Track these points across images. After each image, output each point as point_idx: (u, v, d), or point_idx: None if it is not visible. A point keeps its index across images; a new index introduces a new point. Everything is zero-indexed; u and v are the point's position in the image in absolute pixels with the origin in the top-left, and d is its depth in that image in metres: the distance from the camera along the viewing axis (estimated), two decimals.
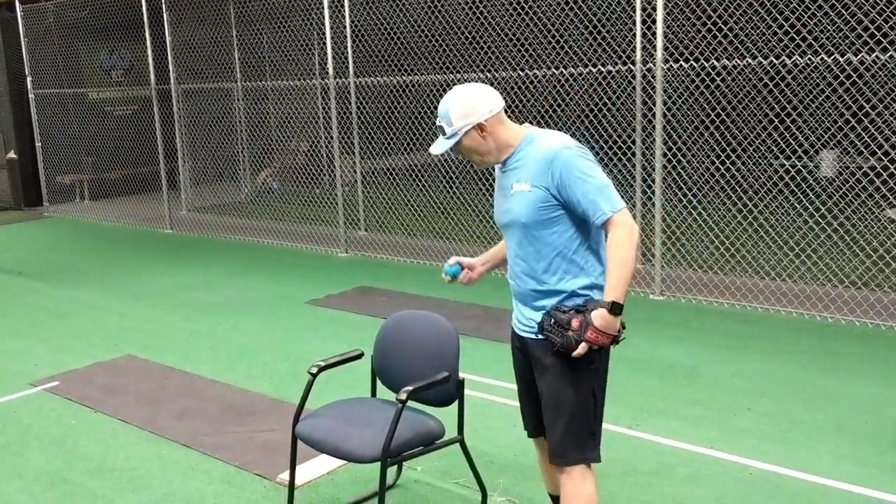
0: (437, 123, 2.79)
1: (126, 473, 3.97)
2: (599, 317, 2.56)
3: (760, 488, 3.63)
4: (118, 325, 6.49)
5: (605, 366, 2.81)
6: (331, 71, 8.62)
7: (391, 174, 9.59)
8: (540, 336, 2.74)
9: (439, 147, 2.80)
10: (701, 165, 6.79)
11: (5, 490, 3.83)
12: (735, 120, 7.20)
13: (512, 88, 8.18)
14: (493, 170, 2.93)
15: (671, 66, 6.37)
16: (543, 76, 7.83)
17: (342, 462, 3.75)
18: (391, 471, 3.72)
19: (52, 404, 4.87)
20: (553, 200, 2.66)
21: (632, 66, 6.66)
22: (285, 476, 3.74)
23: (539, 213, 2.68)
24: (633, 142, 6.86)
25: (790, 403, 4.52)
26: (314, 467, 3.86)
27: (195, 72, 10.89)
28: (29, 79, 12.44)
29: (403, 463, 3.71)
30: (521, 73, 7.92)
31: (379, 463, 3.00)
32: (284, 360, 5.38)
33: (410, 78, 8.86)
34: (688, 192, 7.14)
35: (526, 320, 2.82)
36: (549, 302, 2.73)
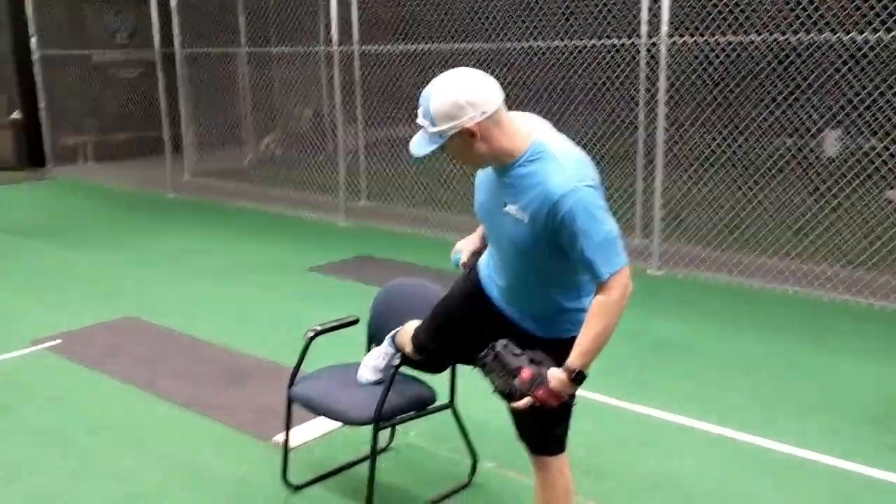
0: (418, 119, 2.33)
1: (124, 432, 4.04)
2: (557, 380, 2.33)
3: (746, 460, 3.69)
4: (119, 287, 6.55)
5: None
6: (335, 38, 8.59)
7: (395, 143, 9.60)
8: (476, 366, 2.52)
9: (421, 147, 2.34)
10: (702, 141, 6.79)
11: (4, 447, 3.90)
12: (738, 97, 7.18)
13: (516, 60, 8.15)
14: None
15: (675, 41, 6.34)
16: (548, 48, 7.81)
17: (337, 425, 3.81)
18: (385, 435, 3.80)
19: (53, 363, 4.94)
20: (549, 241, 2.34)
21: (636, 41, 6.64)
22: (280, 437, 3.79)
23: (534, 247, 2.38)
24: (636, 116, 6.87)
25: (781, 379, 4.57)
26: (309, 430, 3.93)
27: (201, 36, 10.85)
28: (34, 39, 12.39)
29: (397, 428, 3.81)
30: (527, 44, 7.89)
31: (371, 426, 3.07)
32: (282, 325, 5.43)
33: (416, 46, 8.82)
34: (688, 168, 7.15)
35: (499, 296, 2.65)
36: (527, 301, 2.56)
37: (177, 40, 10.61)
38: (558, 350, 2.43)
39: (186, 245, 7.93)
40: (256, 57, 12.01)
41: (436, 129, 2.28)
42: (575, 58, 7.56)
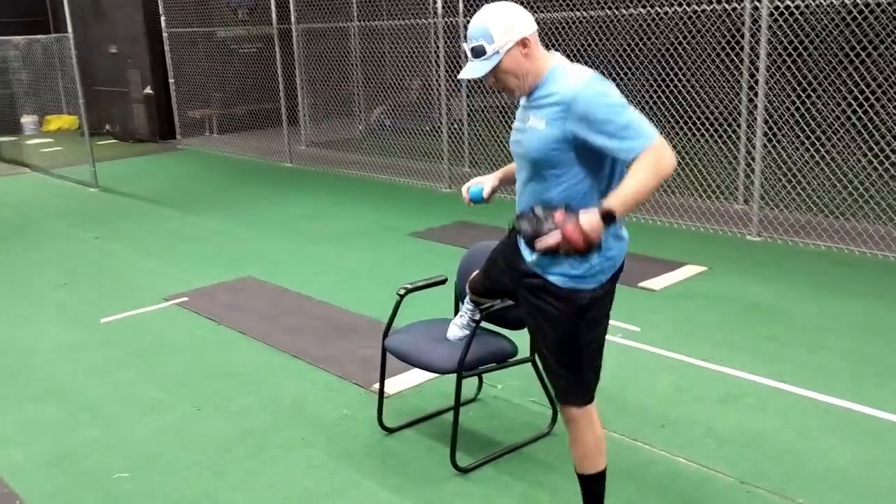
0: (471, 46, 2.55)
1: (242, 377, 4.51)
2: (587, 216, 2.33)
3: (826, 420, 3.78)
4: (240, 250, 7.10)
5: (608, 311, 2.76)
6: (439, 10, 8.85)
7: (497, 112, 9.81)
8: (534, 257, 2.64)
9: (475, 71, 2.56)
10: (825, 107, 6.68)
11: (141, 387, 4.44)
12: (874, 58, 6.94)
13: (631, 26, 8.18)
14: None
15: (777, 4, 6.27)
16: (656, 14, 7.79)
17: (429, 376, 4.15)
18: (473, 387, 4.11)
19: (182, 317, 5.49)
20: (566, 142, 2.51)
21: (737, 5, 6.60)
22: (378, 386, 4.19)
23: (549, 153, 2.54)
24: (737, 81, 6.83)
25: (868, 343, 4.59)
26: (404, 380, 4.28)
27: (315, 11, 11.32)
28: (163, 18, 13.23)
29: (485, 382, 4.11)
30: (635, 10, 7.91)
31: (455, 375, 3.37)
32: (384, 286, 5.81)
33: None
34: (792, 134, 7.05)
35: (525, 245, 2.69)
36: None
37: (293, 16, 11.13)
38: (572, 301, 2.63)
39: (300, 211, 8.45)
40: (367, 30, 12.42)
41: (495, 45, 2.52)
42: (680, 23, 7.54)
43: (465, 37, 2.63)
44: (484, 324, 3.44)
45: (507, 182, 3.04)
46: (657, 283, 5.68)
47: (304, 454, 3.67)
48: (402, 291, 3.71)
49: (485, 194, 3.04)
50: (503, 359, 3.52)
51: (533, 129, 2.59)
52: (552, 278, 2.67)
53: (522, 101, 2.71)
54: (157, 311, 5.64)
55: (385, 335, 3.71)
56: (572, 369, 2.76)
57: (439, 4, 8.85)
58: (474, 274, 3.32)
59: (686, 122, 7.36)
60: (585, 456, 2.84)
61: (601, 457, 2.86)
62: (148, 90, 13.89)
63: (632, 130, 2.41)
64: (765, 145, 6.55)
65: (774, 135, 6.82)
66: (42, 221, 8.55)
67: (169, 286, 6.11)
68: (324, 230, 7.62)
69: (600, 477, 2.88)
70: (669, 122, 7.52)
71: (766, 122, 6.48)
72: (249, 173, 10.96)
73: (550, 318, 2.71)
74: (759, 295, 5.42)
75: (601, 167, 2.59)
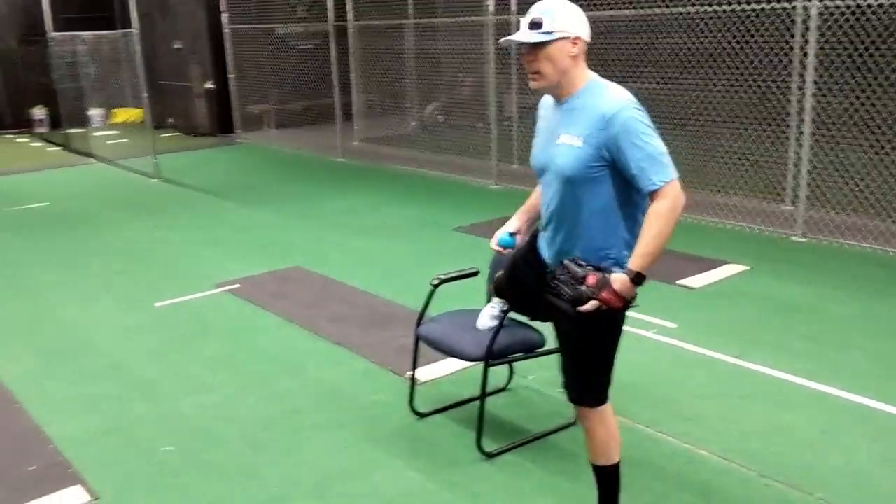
0: (531, 18, 2.67)
1: (285, 362, 4.71)
2: (620, 281, 2.59)
3: (849, 418, 3.81)
4: (290, 241, 7.34)
5: (623, 318, 2.83)
6: (490, 8, 8.96)
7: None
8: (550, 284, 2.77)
9: (525, 36, 2.67)
10: (851, 106, 6.61)
11: (188, 367, 4.68)
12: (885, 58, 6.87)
13: (670, 25, 8.18)
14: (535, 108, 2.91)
15: (826, 4, 6.23)
16: (696, 13, 7.78)
17: (463, 365, 4.28)
18: (504, 376, 4.24)
19: (231, 303, 5.74)
20: (602, 161, 2.63)
21: (787, 5, 6.57)
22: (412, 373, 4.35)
23: (585, 170, 2.65)
24: (783, 81, 6.80)
25: None
26: (439, 368, 4.43)
27: (372, 8, 11.54)
28: (224, 15, 13.61)
29: (515, 372, 4.23)
30: (682, 9, 7.90)
31: (483, 363, 3.50)
32: (425, 278, 5.91)
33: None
34: (839, 135, 6.98)
35: (547, 248, 2.93)
36: (576, 255, 2.76)
37: (349, 13, 11.36)
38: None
39: (350, 205, 8.67)
40: (422, 28, 12.59)
41: (553, 27, 2.65)
42: (728, 22, 7.52)
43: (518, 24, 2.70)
44: (513, 314, 3.56)
45: (531, 217, 3.17)
46: (696, 280, 5.72)
47: (338, 435, 3.85)
48: (435, 282, 3.86)
49: (517, 239, 3.14)
50: (530, 349, 3.64)
51: (567, 146, 2.69)
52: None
53: (548, 109, 2.86)
54: (209, 296, 5.89)
55: (418, 323, 3.86)
56: (586, 373, 2.89)
57: (491, 2, 8.96)
58: (498, 274, 3.44)
59: (736, 120, 7.35)
60: (597, 449, 2.96)
61: (614, 451, 2.96)
62: (209, 85, 14.30)
63: (657, 164, 2.57)
64: (811, 146, 6.50)
65: (821, 135, 6.75)
66: (105, 210, 8.94)
67: (221, 274, 6.37)
68: (371, 223, 7.82)
69: (613, 469, 2.99)
70: (716, 121, 7.52)
71: (813, 121, 6.44)
72: (303, 167, 11.24)
73: (570, 322, 2.80)
74: (797, 295, 5.43)
75: (632, 189, 2.68)
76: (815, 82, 6.37)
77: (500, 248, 3.16)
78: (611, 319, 2.78)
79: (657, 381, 4.26)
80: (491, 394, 4.16)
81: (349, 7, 11.31)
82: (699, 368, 4.40)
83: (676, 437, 3.70)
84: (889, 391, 4.03)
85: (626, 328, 4.31)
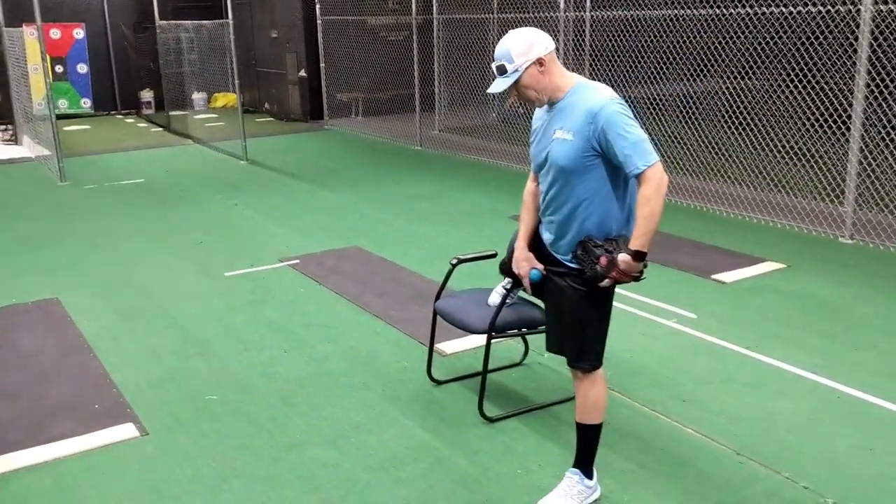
0: (495, 66, 3.03)
1: (329, 329, 5.18)
2: (624, 261, 2.95)
3: (840, 409, 3.98)
4: (355, 222, 7.84)
5: (612, 292, 3.18)
6: (561, 4, 9.21)
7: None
8: (573, 263, 3.15)
9: (498, 86, 3.05)
10: None
11: (245, 330, 5.20)
12: None
13: (732, 25, 8.24)
14: (532, 111, 3.22)
15: (880, 7, 6.24)
16: (762, 14, 7.83)
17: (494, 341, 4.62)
18: (519, 350, 4.58)
19: (291, 276, 6.25)
20: (592, 151, 2.98)
21: (841, 7, 6.59)
22: (441, 346, 4.74)
23: (578, 161, 3.01)
24: (837, 82, 6.82)
25: None
26: (464, 342, 4.80)
27: (458, 2, 11.92)
28: (318, 6, 14.26)
29: (531, 349, 4.56)
30: (743, 10, 7.97)
31: (494, 337, 3.86)
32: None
33: (644, 12, 9.16)
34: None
35: (548, 234, 3.27)
36: (571, 236, 3.13)
37: (435, 6, 11.79)
38: (585, 279, 3.11)
39: (417, 191, 9.11)
40: (505, 22, 12.88)
41: (515, 65, 3.00)
42: (785, 23, 7.56)
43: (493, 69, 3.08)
44: (525, 295, 3.88)
45: (533, 236, 3.44)
46: (730, 276, 5.88)
47: (363, 395, 4.28)
48: (454, 261, 4.23)
49: (540, 267, 3.36)
50: (532, 325, 3.96)
51: (560, 140, 3.05)
52: (569, 261, 3.20)
53: (542, 112, 3.22)
54: (273, 269, 6.43)
55: (437, 298, 4.24)
56: (581, 339, 3.23)
57: (562, 0, 9.20)
58: (504, 257, 3.79)
59: (797, 122, 7.39)
60: (584, 409, 3.29)
61: (598, 413, 3.28)
62: (302, 73, 15.00)
63: (640, 150, 2.92)
64: (861, 148, 6.52)
65: (874, 137, 6.74)
66: (194, 187, 9.67)
67: (286, 249, 6.91)
68: (434, 209, 8.24)
69: (594, 430, 3.30)
70: (776, 120, 7.57)
71: (863, 125, 6.46)
72: (381, 154, 11.76)
73: (567, 293, 3.20)
74: (829, 294, 5.53)
75: (620, 173, 3.05)
76: (868, 84, 6.39)
77: (532, 282, 3.39)
78: (600, 295, 3.16)
79: (664, 365, 4.51)
80: (505, 367, 4.54)
81: (434, 1, 11.72)
82: (708, 356, 4.62)
83: (668, 415, 3.97)
84: (885, 387, 4.16)
85: (647, 316, 4.62)
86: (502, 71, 3.04)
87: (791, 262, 6.16)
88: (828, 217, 7.03)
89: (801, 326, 5.00)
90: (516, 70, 3.02)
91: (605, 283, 3.04)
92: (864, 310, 5.24)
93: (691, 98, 8.59)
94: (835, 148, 7.29)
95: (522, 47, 3.01)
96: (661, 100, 8.94)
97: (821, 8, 7.17)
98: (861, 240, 6.61)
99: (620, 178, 3.09)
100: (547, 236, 3.32)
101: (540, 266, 3.37)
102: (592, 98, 3.00)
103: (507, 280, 3.91)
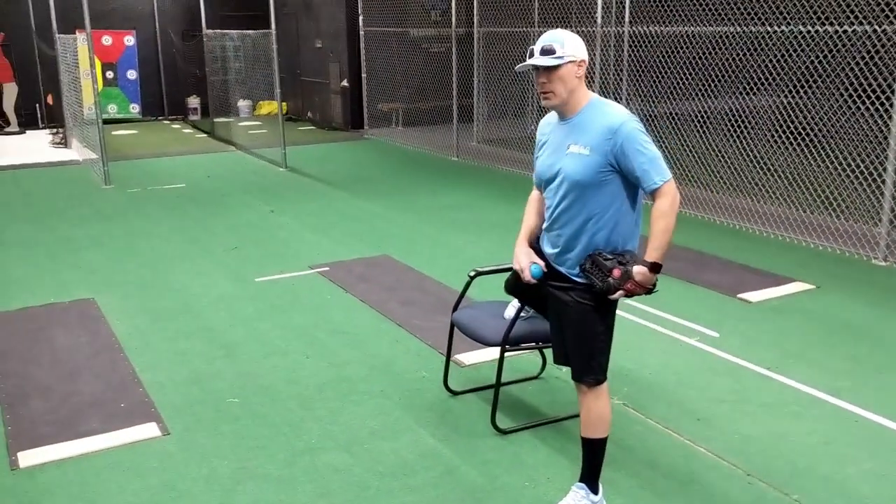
0: (543, 46, 3.09)
1: (351, 336, 5.27)
2: (640, 273, 3.02)
3: (855, 433, 3.94)
4: (386, 231, 7.94)
5: (615, 306, 3.24)
6: (598, 20, 9.23)
7: (647, 120, 10.02)
8: (580, 278, 3.19)
9: (541, 61, 3.09)
10: None
11: (271, 335, 5.32)
12: None
13: (774, 43, 8.18)
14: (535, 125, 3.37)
15: None
16: (816, 32, 7.75)
17: (510, 353, 4.67)
18: (537, 363, 4.61)
19: (319, 283, 6.37)
20: (609, 167, 3.06)
21: (877, 27, 6.52)
22: (460, 357, 4.79)
23: (594, 175, 3.08)
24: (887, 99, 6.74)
25: None
26: (482, 354, 4.85)
27: (498, 15, 11.99)
28: (361, 17, 14.46)
29: (549, 363, 4.59)
30: (787, 28, 7.91)
31: (508, 349, 3.91)
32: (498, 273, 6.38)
33: (685, 28, 9.13)
34: None
35: (551, 249, 3.34)
36: (579, 250, 3.18)
37: (476, 19, 11.89)
38: (588, 294, 3.17)
39: (451, 202, 9.19)
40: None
41: (563, 52, 3.09)
42: (831, 43, 7.48)
43: (530, 51, 3.17)
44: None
45: (534, 238, 3.56)
46: (756, 295, 5.84)
47: (379, 402, 4.35)
48: (472, 273, 4.29)
49: (540, 263, 3.41)
50: (547, 339, 3.97)
51: (576, 154, 3.12)
52: (575, 275, 3.24)
53: (548, 127, 3.29)
54: (302, 276, 6.55)
55: (454, 309, 4.30)
56: (585, 355, 3.26)
57: (598, 13, 9.23)
58: (509, 275, 3.84)
59: (822, 142, 7.31)
60: (588, 423, 3.32)
61: (603, 426, 3.31)
62: (344, 83, 15.22)
63: (656, 166, 3.04)
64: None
65: None
66: (234, 193, 9.87)
67: (317, 256, 7.03)
68: (464, 219, 8.30)
69: (599, 444, 3.33)
70: (819, 138, 7.49)
71: None
72: (418, 164, 11.87)
73: (572, 306, 3.24)
74: (857, 316, 5.46)
75: (632, 189, 3.15)
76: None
77: (533, 279, 3.40)
78: (605, 309, 3.20)
79: (682, 383, 4.51)
80: (522, 381, 4.58)
81: (476, 13, 11.82)
82: (727, 376, 4.61)
83: (680, 433, 3.97)
84: None
85: (669, 333, 4.63)
86: (549, 52, 3.10)
87: (821, 283, 6.09)
88: (861, 238, 6.93)
89: (825, 348, 4.95)
90: (562, 57, 3.09)
91: (617, 295, 3.08)
92: (892, 333, 5.17)
93: (738, 114, 8.55)
94: (861, 168, 7.19)
95: (575, 43, 3.13)
96: (707, 115, 8.91)
97: (867, 28, 7.08)
98: (895, 262, 6.51)
99: (632, 195, 3.16)
100: (549, 250, 3.38)
101: (541, 262, 3.40)
102: (611, 115, 3.10)
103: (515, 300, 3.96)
